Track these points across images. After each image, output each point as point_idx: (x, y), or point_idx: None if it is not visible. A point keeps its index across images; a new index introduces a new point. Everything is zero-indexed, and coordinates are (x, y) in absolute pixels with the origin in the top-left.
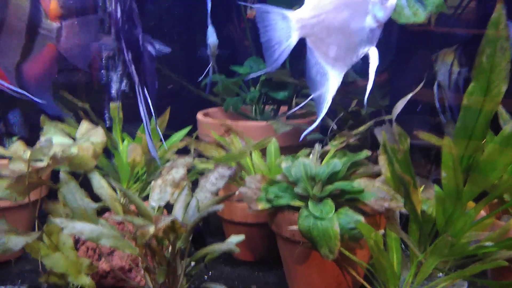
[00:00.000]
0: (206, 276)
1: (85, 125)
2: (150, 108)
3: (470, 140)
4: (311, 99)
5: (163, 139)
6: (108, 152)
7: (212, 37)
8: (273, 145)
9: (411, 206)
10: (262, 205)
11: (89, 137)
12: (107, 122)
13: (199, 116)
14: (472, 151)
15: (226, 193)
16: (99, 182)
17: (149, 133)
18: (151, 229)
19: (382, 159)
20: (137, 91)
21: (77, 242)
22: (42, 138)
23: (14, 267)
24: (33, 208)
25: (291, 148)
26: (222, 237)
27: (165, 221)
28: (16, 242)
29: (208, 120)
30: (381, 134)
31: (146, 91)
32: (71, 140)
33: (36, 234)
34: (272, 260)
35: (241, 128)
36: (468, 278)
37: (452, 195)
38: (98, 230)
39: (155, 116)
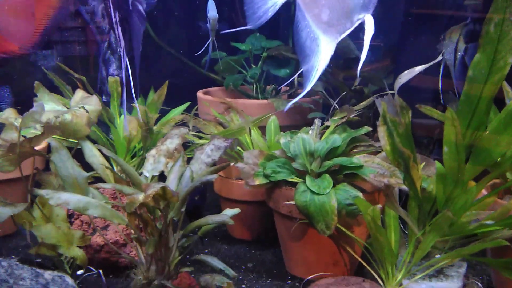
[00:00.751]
0: (201, 254)
1: (80, 93)
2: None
3: (474, 114)
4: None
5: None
6: (105, 127)
7: (212, 11)
8: (273, 123)
9: (411, 181)
10: (259, 181)
11: (83, 105)
12: (105, 97)
13: (200, 94)
14: (475, 127)
15: (230, 172)
16: (91, 151)
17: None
18: (141, 197)
19: (381, 131)
20: (121, 54)
21: (71, 216)
22: (35, 105)
23: (10, 242)
24: (26, 180)
25: (292, 127)
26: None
27: (155, 188)
28: (2, 212)
29: (208, 98)
30: (381, 105)
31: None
32: (65, 108)
33: (24, 205)
34: (269, 239)
35: (241, 106)
36: (467, 257)
37: (453, 171)
38: (85, 200)
39: (137, 80)
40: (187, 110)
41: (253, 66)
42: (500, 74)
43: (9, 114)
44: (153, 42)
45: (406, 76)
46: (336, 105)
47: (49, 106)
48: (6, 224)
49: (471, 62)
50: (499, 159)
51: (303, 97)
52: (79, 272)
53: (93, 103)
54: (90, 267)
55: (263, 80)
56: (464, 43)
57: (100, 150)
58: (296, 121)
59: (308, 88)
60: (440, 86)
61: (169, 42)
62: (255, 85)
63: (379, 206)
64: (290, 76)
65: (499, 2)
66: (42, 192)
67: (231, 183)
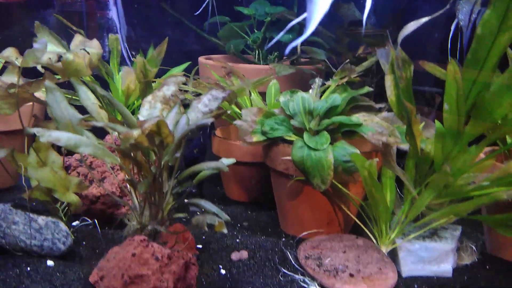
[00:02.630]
0: (198, 212)
1: (79, 38)
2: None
3: (480, 74)
4: None
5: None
6: (104, 84)
7: None
8: (273, 87)
9: (412, 136)
10: (256, 138)
11: (84, 47)
12: (105, 54)
13: (201, 59)
14: (481, 87)
15: (229, 133)
16: (85, 94)
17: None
18: (136, 132)
19: (388, 79)
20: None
21: (68, 168)
22: (35, 45)
23: (7, 195)
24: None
25: None
26: (218, 176)
27: (151, 121)
28: None
29: (209, 62)
30: (384, 57)
31: None
32: (64, 50)
33: (8, 150)
34: (266, 202)
35: (242, 71)
36: (463, 215)
37: (453, 130)
38: (76, 137)
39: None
40: (188, 73)
41: (256, 31)
42: (510, 32)
43: (10, 53)
44: (157, 5)
45: (411, 26)
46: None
47: (49, 47)
48: (4, 178)
49: (481, 19)
50: (499, 122)
51: (306, 65)
52: (74, 223)
53: (94, 46)
54: (85, 218)
55: (265, 47)
56: (480, 5)
57: (94, 91)
58: (297, 87)
59: (307, 33)
60: (449, 46)
61: (171, 5)
62: (257, 51)
63: (376, 159)
64: (293, 41)
65: None
66: (34, 130)
67: (229, 144)
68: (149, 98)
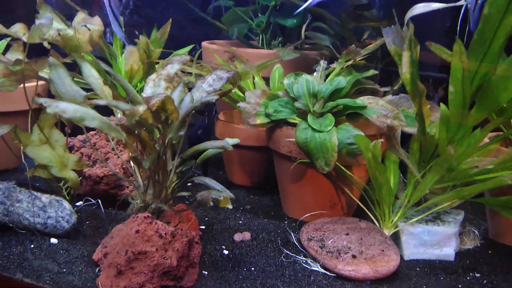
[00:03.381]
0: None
1: (82, 15)
2: None
3: (486, 55)
4: None
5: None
6: (109, 65)
7: None
8: (277, 71)
9: (421, 118)
10: (260, 120)
11: (86, 24)
12: (108, 36)
13: (204, 43)
14: (486, 69)
15: (232, 117)
16: (89, 70)
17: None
18: (141, 108)
19: (405, 56)
20: None
21: (71, 149)
22: (37, 22)
23: (11, 176)
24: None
25: None
26: (220, 161)
27: (159, 97)
28: None
29: (213, 46)
30: (390, 36)
31: None
32: (66, 26)
33: (9, 127)
34: (268, 186)
35: (246, 56)
36: (467, 199)
37: (457, 113)
38: (83, 110)
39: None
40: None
41: (260, 15)
42: None
43: (18, 29)
44: None
45: (420, 8)
46: None
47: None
48: (4, 158)
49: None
50: (505, 105)
51: (310, 50)
52: (78, 203)
53: (96, 23)
54: (89, 198)
55: (270, 32)
56: None
57: (99, 68)
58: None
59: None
60: (458, 29)
61: None
62: (261, 36)
63: (381, 140)
64: (297, 27)
65: None
66: (41, 100)
67: (232, 127)
68: (153, 76)
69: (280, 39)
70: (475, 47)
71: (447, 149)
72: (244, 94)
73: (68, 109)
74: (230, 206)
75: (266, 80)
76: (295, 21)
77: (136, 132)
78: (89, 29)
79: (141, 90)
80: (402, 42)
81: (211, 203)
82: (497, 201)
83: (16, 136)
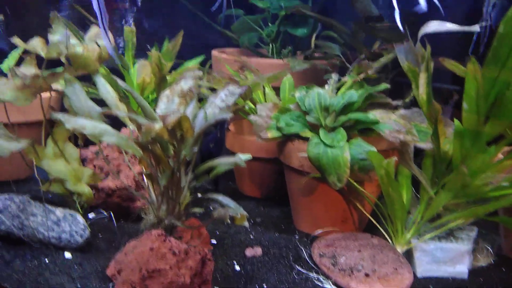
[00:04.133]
0: (211, 208)
1: (95, 29)
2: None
3: (501, 73)
4: None
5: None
6: (120, 77)
7: None
8: (287, 81)
9: (436, 137)
10: (271, 134)
11: (97, 40)
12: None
13: (215, 52)
14: (501, 85)
15: (242, 129)
16: (104, 87)
17: (104, 27)
18: (157, 125)
19: (422, 77)
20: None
21: (84, 161)
22: (50, 37)
23: (24, 186)
24: (41, 125)
25: None
26: (231, 172)
27: (175, 116)
28: (6, 147)
29: (223, 56)
30: (403, 54)
31: None
32: (78, 42)
33: (28, 142)
34: (278, 198)
35: (256, 65)
36: (481, 217)
37: (472, 129)
38: (102, 126)
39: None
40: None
41: (270, 25)
42: None
43: (37, 43)
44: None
45: (434, 26)
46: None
47: (64, 38)
48: (18, 168)
49: (504, 16)
50: None
51: (320, 60)
52: (91, 216)
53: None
54: (102, 210)
55: (279, 41)
56: None
57: (115, 83)
58: (311, 82)
59: None
60: (473, 40)
61: None
62: (271, 45)
63: (394, 158)
64: (307, 36)
65: None
66: (59, 115)
67: (243, 139)
68: (166, 92)
69: (290, 48)
70: (490, 64)
71: (460, 168)
72: (254, 105)
73: (87, 125)
74: (247, 224)
75: (277, 89)
76: (305, 30)
77: (150, 148)
78: (99, 46)
79: (152, 102)
80: (415, 59)
81: (228, 221)
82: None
83: (34, 149)
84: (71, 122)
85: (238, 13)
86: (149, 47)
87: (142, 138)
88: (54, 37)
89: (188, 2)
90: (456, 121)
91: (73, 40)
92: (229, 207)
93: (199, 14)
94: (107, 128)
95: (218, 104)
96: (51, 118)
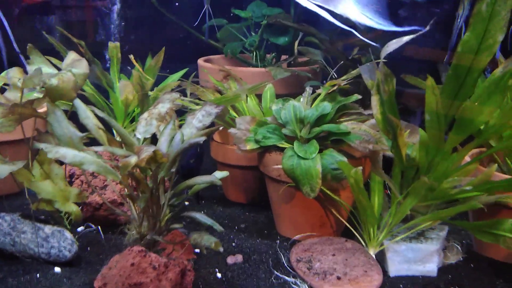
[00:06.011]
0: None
1: (71, 56)
2: None
3: (461, 88)
4: None
5: None
6: (105, 93)
7: None
8: (269, 91)
9: (397, 149)
10: (250, 146)
11: (71, 68)
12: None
13: (200, 61)
14: (462, 98)
15: (226, 138)
16: (85, 112)
17: None
18: (133, 160)
19: (374, 100)
20: None
21: (72, 176)
22: (29, 67)
23: (14, 201)
24: (28, 141)
25: (289, 96)
26: None
27: (148, 152)
28: (1, 169)
29: (208, 65)
30: (367, 73)
31: None
32: (56, 71)
33: (22, 163)
34: (263, 202)
35: (239, 74)
36: (445, 220)
37: (435, 139)
38: (81, 155)
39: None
40: (188, 76)
41: (253, 34)
42: (489, 51)
43: (14, 74)
44: (156, 9)
45: (393, 45)
46: (334, 74)
47: (41, 68)
48: (9, 184)
49: (461, 40)
50: (482, 127)
51: (304, 65)
52: (79, 229)
53: (81, 67)
54: (90, 224)
55: (263, 48)
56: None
57: (93, 112)
58: (294, 89)
59: None
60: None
61: (171, 10)
62: (255, 53)
63: (361, 168)
64: (289, 44)
65: None
66: (42, 145)
67: (226, 148)
68: (145, 115)
69: (274, 54)
70: (451, 81)
71: (421, 178)
72: (238, 114)
73: (68, 154)
74: (221, 249)
75: (260, 97)
76: (286, 38)
77: (129, 171)
78: (73, 74)
79: (137, 115)
80: (377, 77)
81: (205, 251)
82: (472, 224)
83: (24, 172)
84: (52, 152)
85: (222, 22)
86: (134, 59)
87: (121, 171)
88: (32, 67)
89: (173, 14)
90: (421, 130)
91: (50, 70)
92: (204, 236)
93: (185, 26)
94: (86, 156)
95: (195, 125)
96: (34, 147)
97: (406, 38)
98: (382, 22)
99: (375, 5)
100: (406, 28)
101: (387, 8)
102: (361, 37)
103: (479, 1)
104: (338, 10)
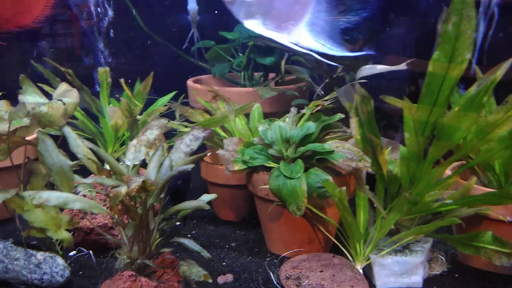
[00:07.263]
0: (189, 235)
1: (63, 87)
2: None
3: (435, 105)
4: None
5: None
6: (95, 117)
7: (191, 3)
8: (256, 110)
9: (378, 166)
10: (238, 166)
11: (62, 98)
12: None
13: (189, 82)
14: (436, 116)
15: (216, 158)
16: (75, 141)
17: None
18: (123, 190)
19: (353, 122)
20: None
21: None
22: (20, 97)
23: (8, 226)
24: (18, 169)
25: (277, 114)
26: None
27: (137, 182)
28: None
29: (196, 86)
30: (343, 96)
31: None
32: (47, 100)
33: (14, 191)
34: (253, 220)
35: (228, 94)
36: (427, 233)
37: (415, 155)
38: (64, 195)
39: None
40: (177, 98)
41: (241, 55)
42: (459, 69)
43: (1, 107)
44: (145, 32)
45: (367, 70)
46: (320, 91)
47: (33, 98)
48: (4, 209)
49: (431, 58)
50: (461, 141)
51: (291, 84)
52: (71, 253)
53: (72, 96)
54: (81, 248)
55: (251, 67)
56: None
57: (83, 141)
58: (281, 107)
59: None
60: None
61: (160, 32)
62: (242, 73)
63: (344, 188)
64: (275, 64)
65: (456, 3)
66: (25, 193)
67: (216, 168)
68: (134, 142)
69: (261, 73)
70: (425, 98)
71: (402, 194)
72: (226, 134)
73: (51, 197)
74: (210, 280)
75: (249, 116)
76: (273, 59)
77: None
78: (64, 103)
79: (127, 139)
80: (354, 99)
81: (194, 286)
82: (453, 238)
83: (16, 199)
84: (36, 198)
85: (209, 44)
86: (124, 83)
87: (111, 201)
88: (24, 97)
89: (162, 37)
90: (401, 147)
91: (42, 99)
92: (193, 269)
93: (173, 48)
94: (69, 196)
95: (184, 149)
96: (19, 195)
97: (380, 68)
98: (336, 48)
99: (329, 31)
100: (360, 53)
101: (341, 34)
102: (318, 56)
103: (445, 22)
104: (291, 39)
